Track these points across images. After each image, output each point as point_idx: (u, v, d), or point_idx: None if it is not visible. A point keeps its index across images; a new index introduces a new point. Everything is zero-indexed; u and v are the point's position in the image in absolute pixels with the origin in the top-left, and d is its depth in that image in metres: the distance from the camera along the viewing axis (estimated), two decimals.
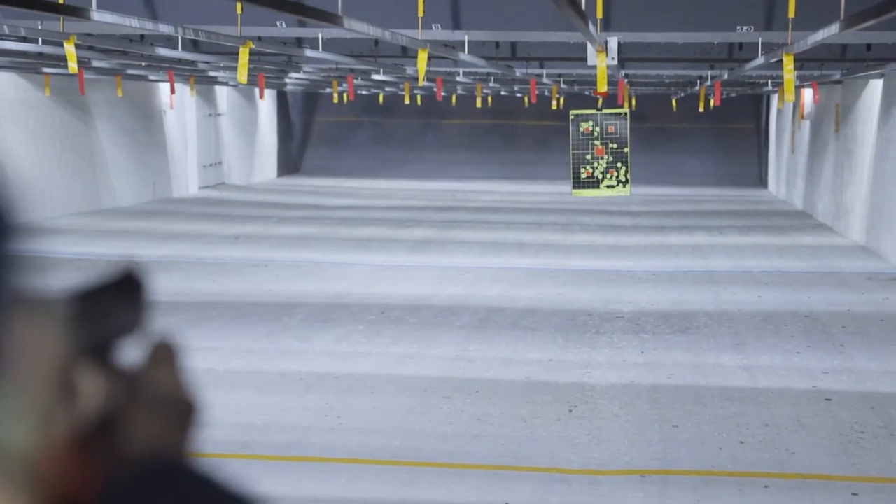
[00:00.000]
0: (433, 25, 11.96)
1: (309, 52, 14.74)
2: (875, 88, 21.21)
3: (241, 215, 26.12)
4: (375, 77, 23.45)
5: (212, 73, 23.95)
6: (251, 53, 13.96)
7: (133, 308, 0.83)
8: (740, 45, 16.38)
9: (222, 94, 35.56)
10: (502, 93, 33.89)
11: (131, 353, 0.83)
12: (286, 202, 29.86)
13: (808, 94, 27.13)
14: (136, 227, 22.97)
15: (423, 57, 11.45)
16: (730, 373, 11.21)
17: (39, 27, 12.14)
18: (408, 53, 16.31)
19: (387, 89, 32.13)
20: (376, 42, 16.01)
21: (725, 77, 19.19)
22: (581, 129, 26.51)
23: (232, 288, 15.63)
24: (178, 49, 15.93)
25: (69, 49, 12.02)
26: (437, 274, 17.29)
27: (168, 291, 14.71)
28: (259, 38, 13.50)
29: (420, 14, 11.42)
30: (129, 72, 22.78)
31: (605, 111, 26.57)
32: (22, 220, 0.74)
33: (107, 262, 16.51)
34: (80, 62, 18.13)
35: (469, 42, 13.57)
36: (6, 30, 11.73)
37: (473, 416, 9.55)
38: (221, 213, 26.55)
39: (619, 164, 26.35)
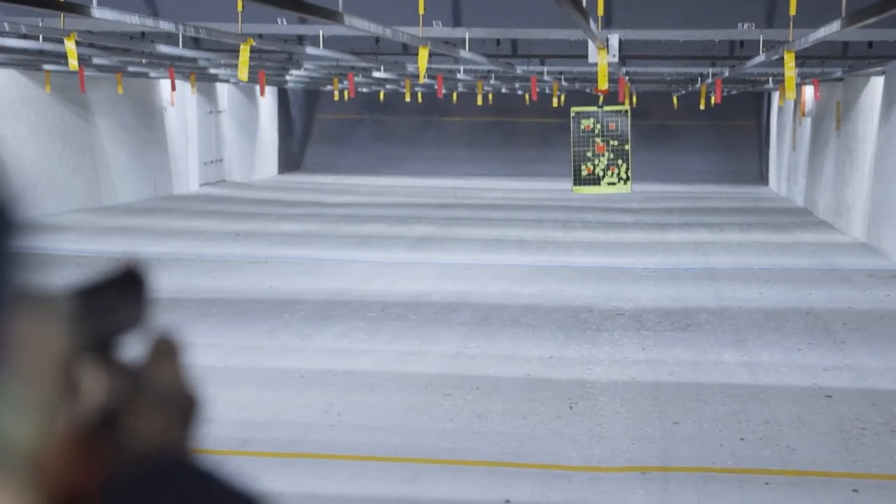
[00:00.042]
0: (434, 22, 11.96)
1: (310, 50, 14.74)
2: (876, 86, 21.21)
3: (242, 212, 26.13)
4: (376, 74, 23.46)
5: (213, 71, 23.96)
6: (252, 51, 13.96)
7: (135, 304, 0.83)
8: (741, 42, 16.38)
9: (223, 91, 35.56)
10: (503, 90, 33.89)
11: (133, 348, 0.83)
12: (287, 199, 29.86)
13: (809, 92, 27.13)
14: (137, 224, 22.97)
15: (423, 54, 11.45)
16: (731, 370, 11.22)
17: (40, 24, 12.14)
18: (409, 51, 16.31)
19: (387, 86, 32.13)
20: (377, 39, 16.01)
21: (726, 74, 19.19)
22: (582, 127, 26.50)
23: (232, 285, 15.64)
24: (178, 46, 15.93)
25: (70, 46, 12.02)
26: (438, 271, 17.29)
27: (169, 288, 14.71)
28: (260, 36, 13.50)
29: (421, 11, 11.42)
30: (130, 69, 22.79)
31: (606, 108, 26.55)
32: (25, 217, 0.74)
33: (107, 258, 16.51)
34: (80, 59, 18.13)
35: (470, 39, 13.57)
36: (7, 27, 11.73)
37: (474, 413, 9.55)
38: (222, 210, 26.55)
39: (619, 162, 26.34)
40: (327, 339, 12.34)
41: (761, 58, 13.52)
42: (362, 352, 11.75)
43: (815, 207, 27.02)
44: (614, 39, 11.95)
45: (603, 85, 12.06)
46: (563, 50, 17.01)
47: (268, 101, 39.20)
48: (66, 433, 0.76)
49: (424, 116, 41.34)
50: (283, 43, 14.78)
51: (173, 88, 26.10)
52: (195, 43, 16.60)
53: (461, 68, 21.07)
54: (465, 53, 13.70)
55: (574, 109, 26.56)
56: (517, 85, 29.13)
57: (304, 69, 22.03)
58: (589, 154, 26.46)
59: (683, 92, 31.71)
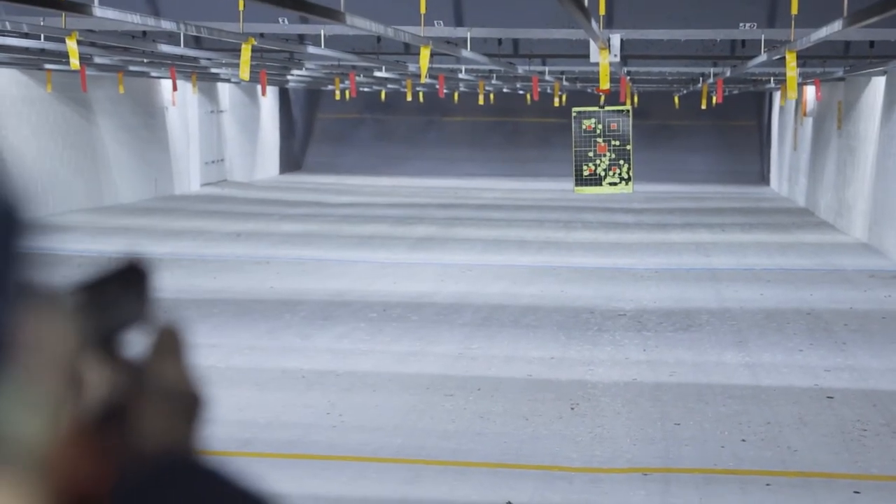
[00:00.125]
0: (435, 22, 11.95)
1: (311, 49, 14.74)
2: (878, 85, 21.19)
3: (243, 212, 26.13)
4: (378, 74, 23.45)
5: (214, 70, 23.95)
6: (253, 50, 13.95)
7: (138, 299, 0.82)
8: (743, 42, 16.37)
9: (224, 90, 35.56)
10: (504, 90, 33.88)
11: (137, 344, 0.82)
12: (288, 199, 29.86)
13: (810, 92, 27.13)
14: (138, 224, 22.97)
15: (425, 54, 11.44)
16: (732, 370, 11.21)
17: (41, 23, 12.13)
18: (410, 50, 16.30)
19: (389, 86, 32.12)
20: (378, 39, 16.00)
21: (728, 74, 19.18)
22: (583, 127, 26.50)
23: (233, 285, 15.63)
24: (180, 46, 15.92)
25: (71, 45, 12.01)
26: (439, 271, 17.28)
27: (170, 288, 14.70)
28: (261, 35, 13.49)
29: (422, 11, 11.41)
30: (131, 68, 22.78)
31: (607, 108, 26.54)
32: (31, 216, 0.74)
33: (108, 259, 16.51)
34: (82, 59, 18.12)
35: (471, 39, 13.56)
36: (8, 26, 11.73)
37: (475, 414, 9.54)
38: (223, 211, 26.55)
39: (621, 162, 26.35)
40: (329, 339, 12.34)
41: (763, 57, 13.51)
42: (364, 352, 11.74)
43: (816, 208, 27.01)
44: (616, 39, 11.95)
45: (604, 85, 12.05)
46: (565, 50, 17.00)
47: (269, 101, 39.20)
48: (75, 430, 0.76)
49: (426, 116, 41.34)
50: (284, 42, 14.78)
51: (174, 88, 26.09)
52: (196, 42, 16.59)
53: (462, 68, 21.07)
54: (466, 53, 13.69)
55: (575, 109, 26.56)
56: (518, 85, 29.12)
57: (306, 69, 22.02)
58: (590, 154, 26.47)
59: (685, 92, 31.71)
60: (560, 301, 14.87)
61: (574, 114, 26.21)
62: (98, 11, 9.63)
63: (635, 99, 32.19)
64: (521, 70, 19.54)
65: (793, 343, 12.47)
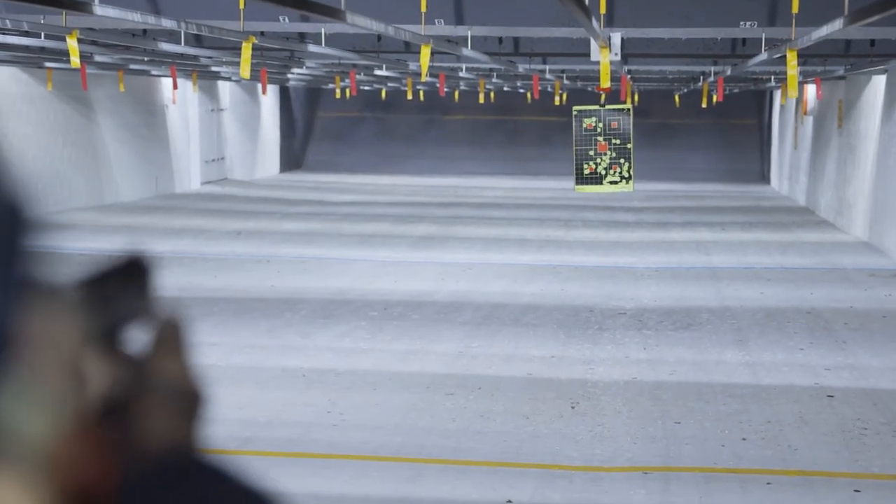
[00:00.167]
0: (436, 21, 11.95)
1: (312, 48, 14.73)
2: (878, 84, 21.19)
3: (244, 211, 26.12)
4: (378, 72, 23.44)
5: (214, 69, 23.95)
6: (254, 48, 13.95)
7: (139, 295, 0.82)
8: (743, 40, 16.37)
9: (225, 89, 35.55)
10: (505, 88, 33.89)
11: (138, 339, 0.82)
12: (288, 198, 29.86)
13: (811, 90, 27.12)
14: (139, 223, 22.97)
15: (425, 52, 11.44)
16: (732, 369, 11.20)
17: (42, 21, 12.13)
18: (410, 49, 16.29)
19: (389, 85, 32.12)
20: (379, 37, 16.00)
21: (728, 73, 19.18)
22: (584, 125, 26.51)
23: (234, 283, 15.63)
24: (180, 44, 15.92)
25: (71, 44, 12.01)
26: (440, 270, 17.28)
27: (170, 287, 14.70)
28: (262, 34, 13.49)
29: (423, 9, 11.40)
30: (132, 67, 22.78)
31: (608, 107, 26.56)
32: (34, 214, 0.74)
33: (109, 257, 16.51)
34: (82, 57, 18.12)
35: (472, 37, 13.56)
36: (8, 24, 11.73)
37: (476, 413, 9.54)
38: (224, 209, 26.55)
39: (621, 160, 26.34)
40: (329, 338, 12.33)
41: (763, 56, 13.51)
42: (364, 351, 11.74)
43: (816, 206, 27.01)
44: (616, 38, 11.95)
45: (605, 83, 12.05)
46: (566, 48, 16.99)
47: (269, 100, 39.20)
48: (78, 426, 0.76)
49: (426, 115, 41.34)
50: (284, 41, 14.78)
51: (175, 86, 26.09)
52: (197, 41, 16.59)
53: (463, 66, 21.06)
54: (467, 51, 13.69)
55: (576, 108, 26.55)
56: (519, 83, 29.12)
57: (306, 67, 22.02)
58: (591, 153, 26.46)
59: (685, 90, 31.71)
60: (560, 300, 14.87)
61: (574, 112, 26.20)
62: (98, 10, 9.63)
63: (636, 97, 32.18)
64: (521, 68, 19.54)
65: (793, 342, 12.47)
